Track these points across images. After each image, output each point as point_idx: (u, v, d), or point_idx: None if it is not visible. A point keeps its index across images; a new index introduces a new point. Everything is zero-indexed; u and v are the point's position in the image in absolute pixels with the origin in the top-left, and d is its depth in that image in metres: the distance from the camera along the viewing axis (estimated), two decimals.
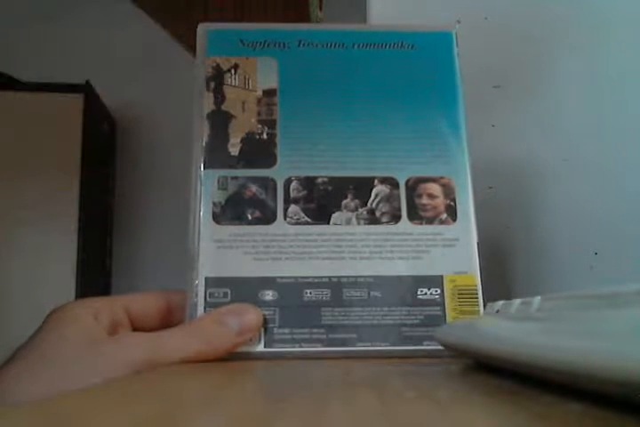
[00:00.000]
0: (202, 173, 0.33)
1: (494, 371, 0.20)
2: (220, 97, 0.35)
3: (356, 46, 0.36)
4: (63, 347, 0.26)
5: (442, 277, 0.32)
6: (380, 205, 0.33)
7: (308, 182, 0.34)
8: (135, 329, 0.30)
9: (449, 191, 0.34)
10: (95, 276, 1.54)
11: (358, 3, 0.53)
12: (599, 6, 0.51)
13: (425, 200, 0.34)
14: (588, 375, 0.12)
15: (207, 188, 0.33)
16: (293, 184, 0.34)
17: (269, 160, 0.34)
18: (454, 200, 0.34)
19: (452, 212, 0.34)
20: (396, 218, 0.33)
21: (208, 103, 0.35)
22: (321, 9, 0.81)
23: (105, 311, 0.29)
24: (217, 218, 0.33)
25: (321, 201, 0.33)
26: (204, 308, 0.31)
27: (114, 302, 0.30)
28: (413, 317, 0.32)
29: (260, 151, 0.34)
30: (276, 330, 0.31)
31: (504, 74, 0.51)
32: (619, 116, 0.48)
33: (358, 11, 0.53)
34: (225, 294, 0.31)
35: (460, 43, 0.37)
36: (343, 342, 0.31)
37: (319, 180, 0.34)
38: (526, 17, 0.52)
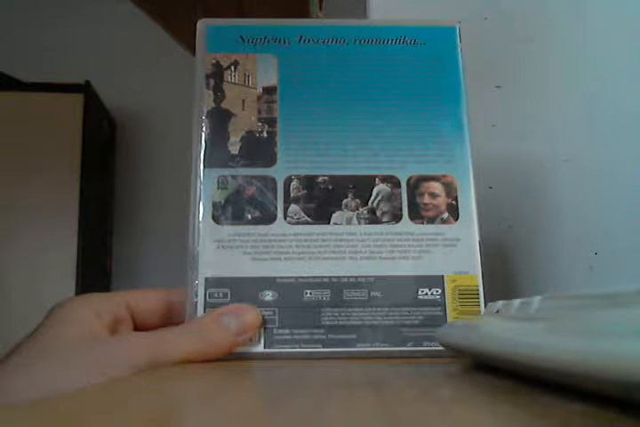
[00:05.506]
0: (201, 173, 0.33)
1: (494, 371, 0.20)
2: (219, 94, 0.35)
3: (357, 42, 0.36)
4: (64, 345, 0.26)
5: (442, 277, 0.32)
6: (381, 204, 0.33)
7: (309, 181, 0.34)
8: (135, 325, 0.30)
9: (451, 190, 0.34)
10: (95, 276, 1.54)
11: (358, 3, 0.53)
12: (600, 7, 0.51)
13: (426, 199, 0.34)
14: (587, 375, 0.12)
15: (207, 187, 0.33)
16: (293, 183, 0.33)
17: (269, 159, 0.34)
18: (456, 199, 0.34)
19: (453, 211, 0.33)
20: (396, 217, 0.33)
21: (208, 101, 0.35)
22: (321, 9, 0.81)
23: (106, 308, 0.29)
24: (217, 218, 0.33)
25: (321, 200, 0.33)
26: (204, 308, 0.31)
27: (115, 298, 0.30)
28: (414, 317, 0.32)
29: (259, 150, 0.34)
30: (275, 330, 0.31)
31: (504, 74, 0.51)
32: (619, 117, 0.48)
33: (358, 11, 0.53)
34: (225, 295, 0.31)
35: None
36: (343, 343, 0.31)
37: (319, 179, 0.34)
38: (526, 17, 0.52)
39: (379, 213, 0.33)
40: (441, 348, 0.26)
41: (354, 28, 0.36)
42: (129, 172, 1.76)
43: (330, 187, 0.33)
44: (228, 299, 0.31)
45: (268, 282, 0.32)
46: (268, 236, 0.32)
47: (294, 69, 0.35)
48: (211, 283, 0.31)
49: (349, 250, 0.32)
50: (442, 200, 0.34)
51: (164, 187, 1.71)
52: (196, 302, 0.31)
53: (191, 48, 0.36)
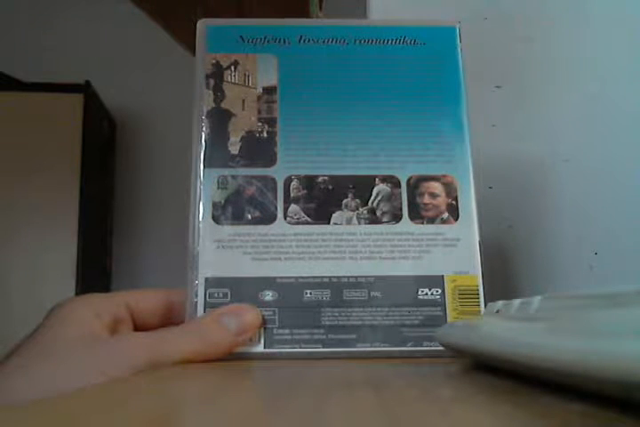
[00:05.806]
0: (201, 173, 0.33)
1: (494, 371, 0.20)
2: (219, 94, 0.35)
3: (357, 42, 0.36)
4: (64, 345, 0.26)
5: (442, 277, 0.32)
6: (381, 204, 0.33)
7: (309, 181, 0.34)
8: (135, 325, 0.30)
9: (451, 190, 0.34)
10: (95, 276, 1.54)
11: (358, 3, 0.53)
12: (600, 7, 0.51)
13: (426, 199, 0.34)
14: (587, 375, 0.12)
15: (207, 187, 0.33)
16: (293, 183, 0.33)
17: (269, 159, 0.34)
18: (456, 199, 0.34)
19: (453, 211, 0.33)
20: (396, 217, 0.33)
21: (208, 101, 0.34)
22: (321, 9, 0.81)
23: (106, 308, 0.29)
24: (216, 218, 0.33)
25: (321, 200, 0.33)
26: (204, 308, 0.31)
27: (115, 298, 0.30)
28: (414, 317, 0.32)
29: (259, 150, 0.34)
30: (275, 330, 0.31)
31: (504, 74, 0.51)
32: (619, 117, 0.48)
33: (358, 11, 0.53)
34: (225, 295, 0.31)
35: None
36: (343, 343, 0.31)
37: (319, 178, 0.34)
38: (526, 17, 0.52)
39: (379, 213, 0.33)
40: (441, 348, 0.26)
41: (354, 28, 0.36)
42: (129, 172, 1.76)
43: (330, 187, 0.33)
44: (228, 299, 0.31)
45: (268, 282, 0.32)
46: (268, 236, 0.32)
47: (294, 69, 0.35)
48: (211, 283, 0.31)
49: (349, 250, 0.32)
50: (442, 200, 0.34)
51: (164, 187, 1.71)
52: (196, 302, 0.31)
53: (191, 48, 0.36)
